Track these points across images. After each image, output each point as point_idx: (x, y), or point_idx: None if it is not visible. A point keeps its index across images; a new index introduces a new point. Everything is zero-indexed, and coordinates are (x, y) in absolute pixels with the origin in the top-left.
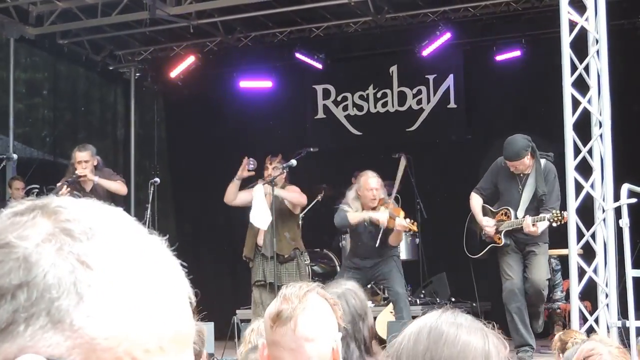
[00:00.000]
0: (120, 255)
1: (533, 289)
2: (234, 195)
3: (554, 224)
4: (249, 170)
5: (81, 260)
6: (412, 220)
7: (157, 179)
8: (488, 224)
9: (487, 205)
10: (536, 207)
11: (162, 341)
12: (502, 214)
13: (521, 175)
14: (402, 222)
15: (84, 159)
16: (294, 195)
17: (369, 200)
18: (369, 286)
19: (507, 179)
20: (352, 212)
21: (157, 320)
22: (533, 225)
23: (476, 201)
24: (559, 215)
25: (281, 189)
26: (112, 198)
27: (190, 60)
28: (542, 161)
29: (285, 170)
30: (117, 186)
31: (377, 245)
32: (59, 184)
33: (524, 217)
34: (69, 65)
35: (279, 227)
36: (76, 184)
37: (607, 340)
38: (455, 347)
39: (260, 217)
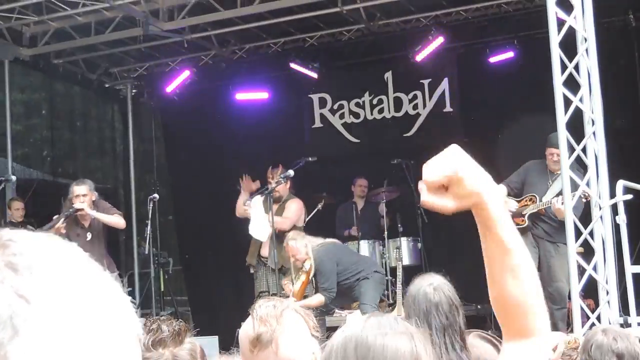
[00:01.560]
0: (61, 290)
1: (555, 292)
2: (241, 209)
3: (584, 200)
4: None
5: (20, 294)
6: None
7: (156, 195)
8: (508, 202)
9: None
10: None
11: None
12: (527, 200)
13: (554, 173)
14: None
15: (82, 193)
16: (281, 223)
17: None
18: None
19: (538, 175)
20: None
21: (95, 358)
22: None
23: (500, 189)
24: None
25: (277, 216)
26: (109, 231)
27: (185, 74)
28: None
29: (285, 181)
30: (115, 220)
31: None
32: (55, 217)
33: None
34: (65, 85)
35: (283, 240)
36: (73, 218)
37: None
38: (384, 358)
39: (259, 229)
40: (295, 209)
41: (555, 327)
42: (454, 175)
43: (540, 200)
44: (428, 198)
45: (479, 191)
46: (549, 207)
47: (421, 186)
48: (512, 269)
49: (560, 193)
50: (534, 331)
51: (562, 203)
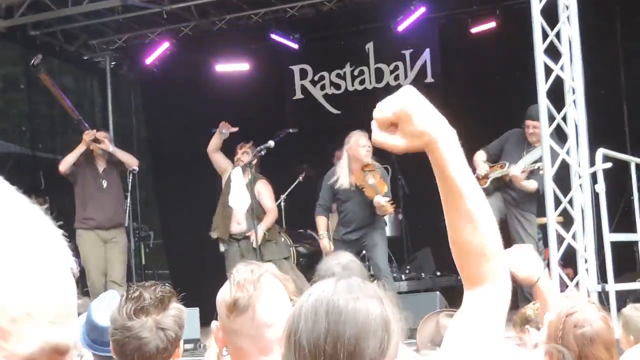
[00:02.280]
0: None
1: None
2: (215, 147)
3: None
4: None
5: None
6: (391, 201)
7: (136, 167)
8: (480, 165)
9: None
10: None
11: (31, 310)
12: (498, 166)
13: (531, 144)
14: (379, 200)
15: (103, 136)
16: (271, 222)
17: (362, 157)
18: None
19: (515, 144)
20: (320, 218)
21: (26, 289)
22: (522, 172)
23: (479, 154)
24: (537, 165)
25: (266, 221)
26: (121, 184)
27: (165, 46)
28: None
29: (261, 154)
30: (128, 156)
31: (363, 214)
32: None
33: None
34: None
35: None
36: (89, 158)
37: (581, 296)
38: (356, 324)
39: (239, 200)
40: (270, 195)
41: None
42: (402, 113)
43: (508, 167)
44: (378, 136)
45: (429, 130)
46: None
47: (373, 124)
48: (467, 213)
49: (536, 162)
50: (490, 277)
51: (522, 171)
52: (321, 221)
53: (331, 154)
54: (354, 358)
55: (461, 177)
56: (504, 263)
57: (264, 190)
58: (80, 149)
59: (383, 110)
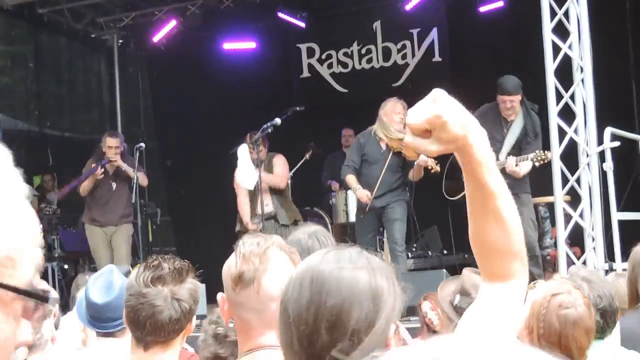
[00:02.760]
0: None
1: None
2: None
3: (537, 164)
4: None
5: None
6: (436, 161)
7: (143, 144)
8: None
9: None
10: (518, 153)
11: (28, 240)
12: None
13: (507, 120)
14: (424, 157)
15: (115, 145)
16: (272, 180)
17: (396, 124)
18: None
19: (492, 122)
20: (350, 176)
21: (22, 225)
22: (516, 165)
23: None
24: (542, 154)
25: (265, 173)
26: (130, 183)
27: (172, 24)
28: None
29: (268, 131)
30: (138, 176)
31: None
32: (93, 165)
33: (506, 159)
34: (50, 35)
35: (283, 195)
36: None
37: (568, 281)
38: (339, 294)
39: (247, 176)
40: (283, 164)
41: (531, 276)
42: (437, 119)
43: (497, 159)
44: (412, 140)
45: (463, 135)
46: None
47: (407, 130)
48: (495, 211)
49: (515, 146)
50: (512, 274)
51: (517, 165)
52: (350, 178)
53: (339, 135)
54: (335, 328)
55: (492, 177)
56: (524, 262)
57: (278, 161)
58: (94, 178)
59: (416, 117)
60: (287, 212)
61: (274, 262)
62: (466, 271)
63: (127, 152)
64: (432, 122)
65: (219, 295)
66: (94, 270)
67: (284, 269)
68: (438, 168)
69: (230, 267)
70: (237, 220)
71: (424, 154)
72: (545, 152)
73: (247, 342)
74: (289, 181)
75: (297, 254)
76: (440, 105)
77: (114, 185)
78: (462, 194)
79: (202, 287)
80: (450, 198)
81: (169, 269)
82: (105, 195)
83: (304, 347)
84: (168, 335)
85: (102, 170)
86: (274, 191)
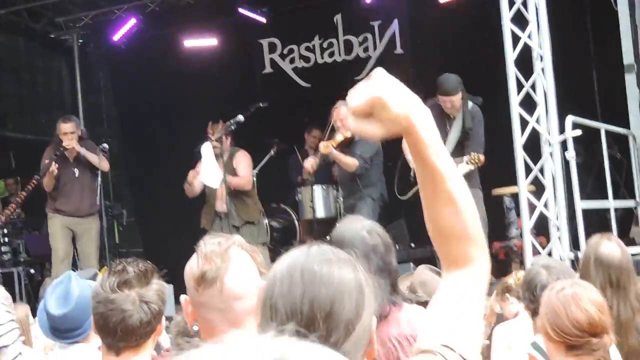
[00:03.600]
0: None
1: None
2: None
3: (472, 166)
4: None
5: None
6: (326, 145)
7: (106, 145)
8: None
9: None
10: (461, 150)
11: None
12: None
13: (450, 116)
14: (334, 151)
15: (70, 131)
16: (238, 183)
17: (337, 130)
18: None
19: (436, 119)
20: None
21: None
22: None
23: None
24: (475, 157)
25: (229, 176)
26: (94, 169)
27: (132, 22)
28: (470, 104)
29: (231, 129)
30: (100, 160)
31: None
32: (46, 161)
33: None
34: (8, 37)
35: (240, 194)
36: (62, 155)
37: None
38: (331, 285)
39: (211, 175)
40: (247, 163)
41: None
42: (377, 100)
43: None
44: (356, 125)
45: (405, 114)
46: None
47: (348, 114)
48: (446, 194)
49: (455, 147)
50: (471, 259)
51: (467, 162)
52: None
53: (304, 130)
54: (330, 318)
55: (441, 159)
56: (485, 243)
57: (242, 158)
58: (50, 174)
59: (356, 99)
60: (240, 213)
61: (236, 261)
62: (420, 268)
63: (86, 135)
64: (372, 103)
65: (182, 298)
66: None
67: (247, 268)
68: (323, 150)
69: (192, 267)
70: (201, 218)
71: (370, 137)
72: (479, 155)
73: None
74: (254, 178)
75: (259, 252)
76: (379, 85)
77: (76, 171)
78: (412, 192)
79: (169, 288)
80: (401, 197)
81: (134, 272)
82: (69, 183)
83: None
84: (140, 338)
85: (56, 165)
86: (232, 191)
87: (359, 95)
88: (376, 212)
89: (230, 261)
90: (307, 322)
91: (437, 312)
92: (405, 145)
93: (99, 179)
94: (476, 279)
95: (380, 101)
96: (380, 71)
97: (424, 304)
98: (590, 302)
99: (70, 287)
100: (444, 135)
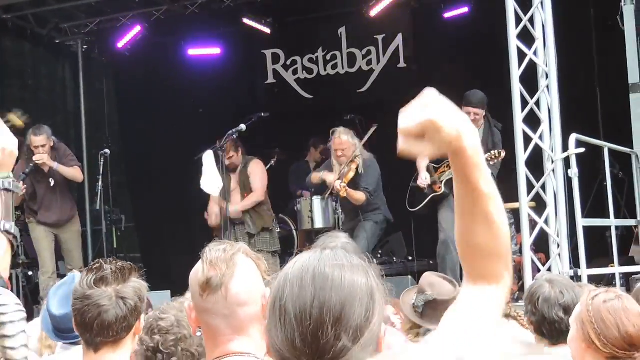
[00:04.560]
0: None
1: None
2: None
3: (491, 162)
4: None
5: None
6: (344, 185)
7: (107, 150)
8: (422, 176)
9: (431, 164)
10: None
11: None
12: (445, 166)
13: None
14: (334, 181)
15: (41, 144)
16: (253, 201)
17: (335, 158)
18: None
19: None
20: (314, 173)
21: None
22: None
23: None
24: (495, 152)
25: (245, 201)
26: (69, 181)
27: (136, 30)
28: (494, 128)
29: (232, 137)
30: (73, 173)
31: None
32: (17, 174)
33: None
34: (14, 41)
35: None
36: (36, 168)
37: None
38: (342, 290)
39: (211, 183)
40: (261, 172)
41: None
42: (430, 124)
43: None
44: (405, 146)
45: (458, 137)
46: None
47: (400, 133)
48: (487, 215)
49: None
50: (496, 276)
51: (487, 159)
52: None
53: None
54: (340, 323)
55: (485, 180)
56: (510, 266)
57: (256, 169)
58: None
59: (408, 122)
60: (257, 221)
61: (241, 268)
62: (427, 274)
63: (57, 142)
64: (425, 125)
65: (186, 303)
66: (61, 277)
67: (252, 275)
68: (343, 193)
69: (197, 273)
70: (207, 215)
71: (418, 156)
72: (500, 151)
73: (215, 350)
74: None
75: (263, 260)
76: (432, 107)
77: (52, 181)
78: (423, 204)
79: (167, 293)
80: (412, 210)
81: (111, 269)
82: (47, 195)
83: (307, 344)
84: (116, 334)
85: (24, 186)
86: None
87: (410, 117)
88: (376, 235)
89: (235, 268)
90: (315, 325)
91: (456, 321)
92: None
93: (100, 183)
94: (499, 294)
95: (434, 124)
96: (431, 92)
97: (433, 302)
98: (638, 317)
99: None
100: None
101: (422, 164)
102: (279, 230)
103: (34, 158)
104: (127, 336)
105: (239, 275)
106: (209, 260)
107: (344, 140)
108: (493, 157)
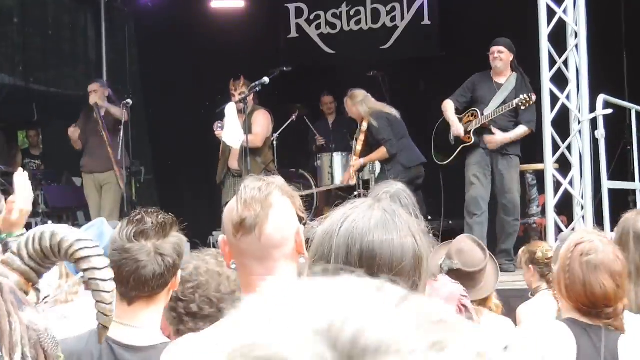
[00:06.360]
0: None
1: (509, 203)
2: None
3: (522, 107)
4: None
5: None
6: (353, 164)
7: (130, 100)
8: (457, 127)
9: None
10: (507, 117)
11: None
12: (469, 115)
13: (500, 83)
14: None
15: (93, 89)
16: (252, 140)
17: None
18: None
19: (486, 87)
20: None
21: None
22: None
23: (448, 105)
24: (526, 97)
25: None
26: (117, 125)
27: None
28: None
29: (255, 90)
30: (121, 111)
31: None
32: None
33: (490, 114)
34: None
35: (251, 152)
36: (87, 113)
37: (591, 230)
38: (390, 270)
39: (233, 135)
40: (263, 121)
41: (509, 238)
42: None
43: (482, 114)
44: None
45: None
46: (491, 120)
47: None
48: None
49: (499, 108)
50: None
51: (518, 104)
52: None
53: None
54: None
55: None
56: None
57: (259, 117)
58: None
59: None
60: (252, 168)
61: (276, 209)
62: (461, 237)
63: (114, 97)
64: None
65: (220, 237)
66: (78, 226)
67: (286, 216)
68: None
69: (231, 212)
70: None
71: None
72: (532, 95)
73: (248, 287)
74: (274, 142)
75: (298, 197)
76: None
77: (100, 129)
78: (452, 157)
79: (187, 245)
80: (440, 163)
81: (152, 223)
82: (92, 138)
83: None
84: (152, 290)
85: (76, 127)
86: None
87: None
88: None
89: (270, 209)
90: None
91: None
92: (445, 105)
93: (121, 134)
94: None
95: None
96: None
97: (456, 271)
98: (610, 276)
99: (104, 229)
100: (490, 98)
101: (452, 116)
102: (297, 186)
103: (90, 100)
104: (162, 292)
105: (274, 217)
106: (243, 199)
107: (349, 103)
108: (524, 102)
